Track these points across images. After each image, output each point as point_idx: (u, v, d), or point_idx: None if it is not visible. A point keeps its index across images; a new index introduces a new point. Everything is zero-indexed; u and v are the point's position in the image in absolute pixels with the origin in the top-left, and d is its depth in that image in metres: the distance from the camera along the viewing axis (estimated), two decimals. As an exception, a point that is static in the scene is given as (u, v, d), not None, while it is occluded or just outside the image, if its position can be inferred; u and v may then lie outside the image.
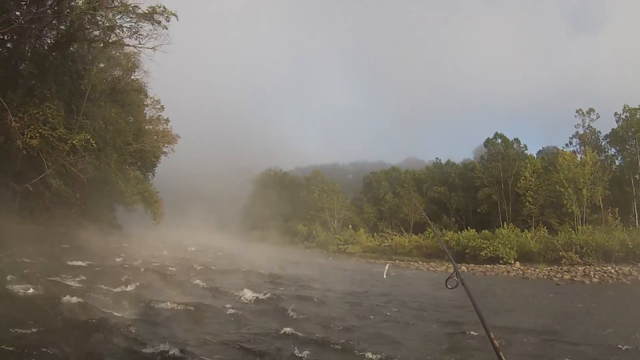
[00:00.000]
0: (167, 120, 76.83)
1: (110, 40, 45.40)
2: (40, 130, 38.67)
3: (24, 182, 40.29)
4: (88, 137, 41.05)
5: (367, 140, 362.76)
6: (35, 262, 24.91)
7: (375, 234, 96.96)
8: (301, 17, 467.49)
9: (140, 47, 45.60)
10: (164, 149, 76.68)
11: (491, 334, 4.86)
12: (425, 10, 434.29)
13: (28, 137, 38.13)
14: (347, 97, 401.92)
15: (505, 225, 78.00)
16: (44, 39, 42.90)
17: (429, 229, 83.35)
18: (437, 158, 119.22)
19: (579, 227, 73.79)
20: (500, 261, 67.45)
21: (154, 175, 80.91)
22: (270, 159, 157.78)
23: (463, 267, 63.72)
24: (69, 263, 27.31)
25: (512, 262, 66.89)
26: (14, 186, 40.37)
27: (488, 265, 65.65)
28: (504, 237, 70.86)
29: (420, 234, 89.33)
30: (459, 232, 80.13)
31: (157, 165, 79.53)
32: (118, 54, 56.24)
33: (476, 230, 77.98)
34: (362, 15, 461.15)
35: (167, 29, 43.42)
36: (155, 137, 73.57)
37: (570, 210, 77.40)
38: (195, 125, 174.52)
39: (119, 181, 57.30)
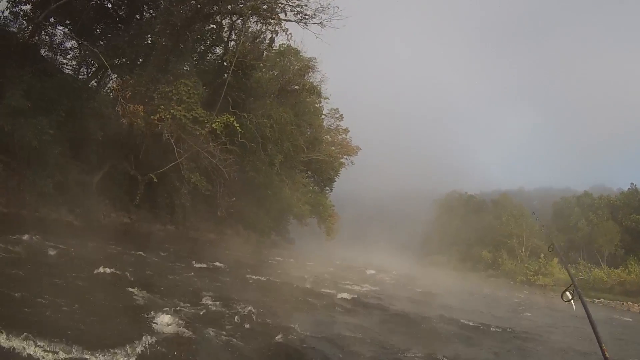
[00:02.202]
0: (346, 130, 70.56)
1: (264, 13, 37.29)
2: (172, 111, 30.76)
3: (149, 172, 32.26)
4: (232, 119, 33.45)
5: (553, 167, 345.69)
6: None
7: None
8: (491, 44, 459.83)
9: (303, 23, 37.54)
10: (343, 160, 70.46)
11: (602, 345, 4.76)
12: (616, 29, 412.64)
13: (156, 118, 30.48)
14: (534, 122, 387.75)
15: None
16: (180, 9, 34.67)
17: (632, 262, 72.32)
18: (632, 183, 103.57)
19: None
20: None
21: (332, 189, 74.06)
22: (455, 182, 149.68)
23: None
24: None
25: None
26: (137, 175, 32.82)
27: None
28: None
29: (614, 267, 76.35)
30: None
31: (336, 179, 72.41)
32: (289, 58, 52.73)
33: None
34: (552, 41, 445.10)
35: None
36: (333, 147, 67.16)
37: None
38: (377, 140, 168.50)
39: (285, 187, 50.60)
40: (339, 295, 24.14)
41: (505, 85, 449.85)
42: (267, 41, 43.98)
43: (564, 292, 6.03)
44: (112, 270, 17.16)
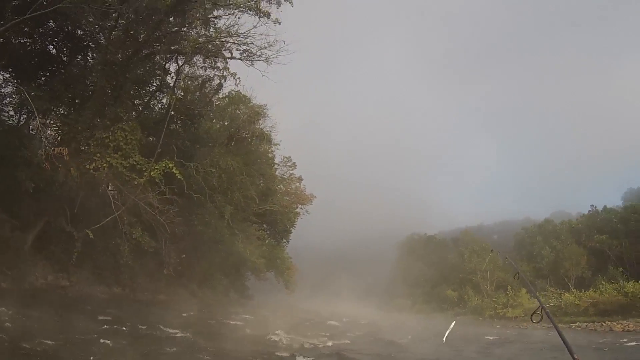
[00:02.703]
0: (299, 179, 68.42)
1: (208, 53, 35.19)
2: (108, 159, 27.93)
3: (85, 228, 29.06)
4: (171, 165, 30.41)
5: (510, 199, 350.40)
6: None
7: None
8: (453, 76, 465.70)
9: (248, 60, 35.34)
10: (297, 210, 68.22)
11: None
12: (574, 61, 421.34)
13: (92, 167, 27.50)
14: (488, 158, 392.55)
15: None
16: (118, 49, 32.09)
17: (602, 282, 70.64)
18: (592, 205, 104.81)
19: None
20: None
21: (288, 241, 70.94)
22: (413, 224, 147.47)
23: None
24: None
25: None
26: (73, 232, 29.72)
27: None
28: None
29: (585, 289, 74.48)
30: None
31: (292, 230, 69.67)
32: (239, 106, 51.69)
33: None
34: (502, 75, 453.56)
35: (279, 23, 32.98)
36: (287, 197, 65.38)
37: None
38: (336, 185, 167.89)
39: (238, 241, 47.33)
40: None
41: (464, 119, 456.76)
42: (215, 87, 42.22)
43: (533, 314, 6.33)
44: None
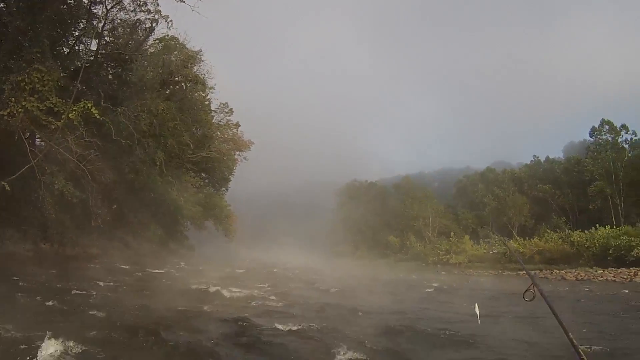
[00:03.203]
0: (237, 125, 65.01)
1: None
2: (23, 103, 25.30)
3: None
4: (89, 105, 27.86)
5: (452, 148, 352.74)
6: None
7: (481, 240, 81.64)
8: (387, 31, 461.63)
9: None
10: (236, 156, 65.23)
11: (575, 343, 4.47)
12: (507, 13, 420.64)
13: (6, 113, 25.13)
14: (431, 106, 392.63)
15: (615, 223, 66.54)
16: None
17: (547, 231, 71.05)
18: (534, 156, 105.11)
19: None
20: (656, 262, 51.06)
21: (227, 189, 68.95)
22: (354, 172, 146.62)
23: (607, 273, 48.87)
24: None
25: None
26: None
27: (627, 269, 49.59)
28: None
29: (528, 237, 74.45)
30: (589, 231, 64.02)
31: (231, 178, 67.73)
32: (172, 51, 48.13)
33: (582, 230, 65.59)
34: (446, 25, 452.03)
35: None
36: (224, 144, 62.36)
37: None
38: (271, 136, 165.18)
39: (172, 189, 45.42)
40: (235, 306, 20.44)
41: (407, 69, 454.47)
42: (147, 30, 39.46)
43: (525, 291, 5.67)
44: None
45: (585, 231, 64.33)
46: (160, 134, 39.87)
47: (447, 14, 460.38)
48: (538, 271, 56.00)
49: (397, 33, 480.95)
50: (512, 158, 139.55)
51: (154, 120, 38.14)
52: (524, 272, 55.52)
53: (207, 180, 64.41)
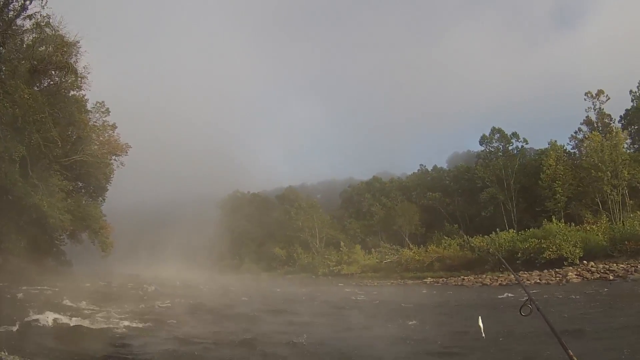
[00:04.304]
0: (113, 127, 58.85)
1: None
2: None
3: None
4: None
5: (334, 160, 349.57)
6: None
7: (373, 250, 78.92)
8: (263, 38, 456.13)
9: None
10: (112, 161, 59.47)
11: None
12: (392, 17, 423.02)
13: None
14: (312, 117, 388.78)
15: (509, 229, 65.79)
16: None
17: (444, 238, 70.01)
18: (421, 165, 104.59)
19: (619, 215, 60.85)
20: (565, 262, 49.28)
21: (104, 199, 62.95)
22: (236, 184, 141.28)
23: (524, 277, 45.75)
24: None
25: (578, 262, 49.30)
26: None
27: (547, 271, 47.92)
28: (562, 233, 52.66)
29: (422, 245, 72.75)
30: (489, 236, 62.17)
31: (108, 187, 62.12)
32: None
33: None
34: (327, 33, 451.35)
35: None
36: (97, 146, 56.64)
37: (607, 198, 62.51)
38: (154, 145, 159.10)
39: (35, 193, 40.20)
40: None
41: (289, 72, 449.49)
42: (18, 8, 35.26)
43: (522, 307, 5.47)
44: None
45: (485, 236, 62.65)
46: (23, 126, 33.72)
47: (332, 16, 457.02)
48: (452, 278, 55.55)
49: (279, 33, 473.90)
50: (395, 169, 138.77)
51: (17, 110, 32.17)
52: (431, 280, 52.79)
53: (82, 190, 59.21)
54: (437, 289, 47.61)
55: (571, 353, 4.17)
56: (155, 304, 29.94)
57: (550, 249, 50.71)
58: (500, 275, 49.88)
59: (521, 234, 58.25)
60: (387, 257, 70.73)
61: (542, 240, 52.72)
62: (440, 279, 55.29)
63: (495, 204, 78.10)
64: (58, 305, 24.61)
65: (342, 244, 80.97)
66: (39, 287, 33.18)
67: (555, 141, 74.89)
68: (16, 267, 39.98)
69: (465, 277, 53.30)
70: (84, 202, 56.25)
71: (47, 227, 47.50)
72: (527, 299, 5.45)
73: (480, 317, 7.43)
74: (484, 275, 52.07)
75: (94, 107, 57.09)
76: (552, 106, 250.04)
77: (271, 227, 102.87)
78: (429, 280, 55.40)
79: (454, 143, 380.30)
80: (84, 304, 26.41)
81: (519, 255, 53.38)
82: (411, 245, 73.35)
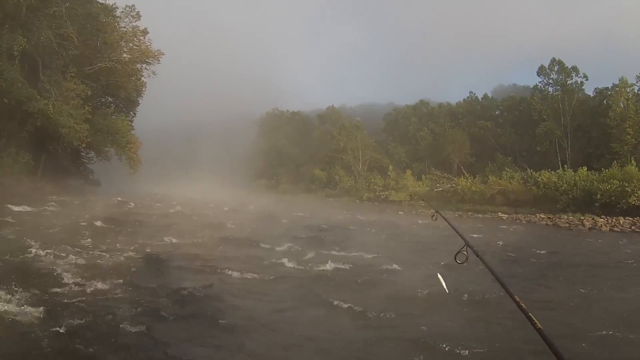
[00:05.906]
0: (144, 32, 52.97)
1: None
2: None
3: None
4: None
5: (375, 83, 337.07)
6: None
7: (423, 176, 73.02)
8: None
9: None
10: (139, 66, 54.07)
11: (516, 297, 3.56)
12: None
13: None
14: (352, 41, 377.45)
15: (564, 167, 61.04)
16: None
17: (505, 169, 63.14)
18: (471, 92, 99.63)
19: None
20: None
21: (134, 114, 58.99)
22: (274, 103, 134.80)
23: (600, 221, 40.81)
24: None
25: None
26: None
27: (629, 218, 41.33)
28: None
29: (473, 176, 65.79)
30: (557, 172, 55.67)
31: (140, 101, 58.02)
32: None
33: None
34: None
35: None
36: (126, 54, 51.69)
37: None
38: (192, 63, 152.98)
39: (49, 99, 34.98)
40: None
41: (330, 3, 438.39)
42: None
43: (457, 254, 4.72)
44: None
45: (553, 172, 55.91)
46: (27, 19, 27.84)
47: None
48: (531, 215, 47.73)
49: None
50: (437, 97, 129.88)
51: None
52: (499, 214, 45.74)
53: (112, 105, 54.46)
54: (526, 227, 40.04)
55: (517, 298, 3.38)
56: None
57: (637, 194, 44.43)
58: (582, 217, 42.99)
59: (598, 174, 51.20)
60: (438, 185, 64.93)
61: (626, 183, 45.92)
62: (519, 216, 47.37)
63: (551, 140, 71.83)
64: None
65: (390, 167, 75.04)
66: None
67: (626, 79, 66.12)
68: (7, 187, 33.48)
69: (544, 216, 46.39)
70: (112, 115, 50.82)
71: (61, 141, 41.92)
72: (464, 246, 4.62)
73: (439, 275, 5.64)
74: (565, 216, 44.69)
75: (122, 12, 51.22)
76: (604, 49, 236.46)
77: (311, 147, 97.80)
78: (505, 216, 47.56)
79: (496, 77, 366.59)
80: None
81: (598, 197, 46.77)
82: (467, 174, 66.79)
